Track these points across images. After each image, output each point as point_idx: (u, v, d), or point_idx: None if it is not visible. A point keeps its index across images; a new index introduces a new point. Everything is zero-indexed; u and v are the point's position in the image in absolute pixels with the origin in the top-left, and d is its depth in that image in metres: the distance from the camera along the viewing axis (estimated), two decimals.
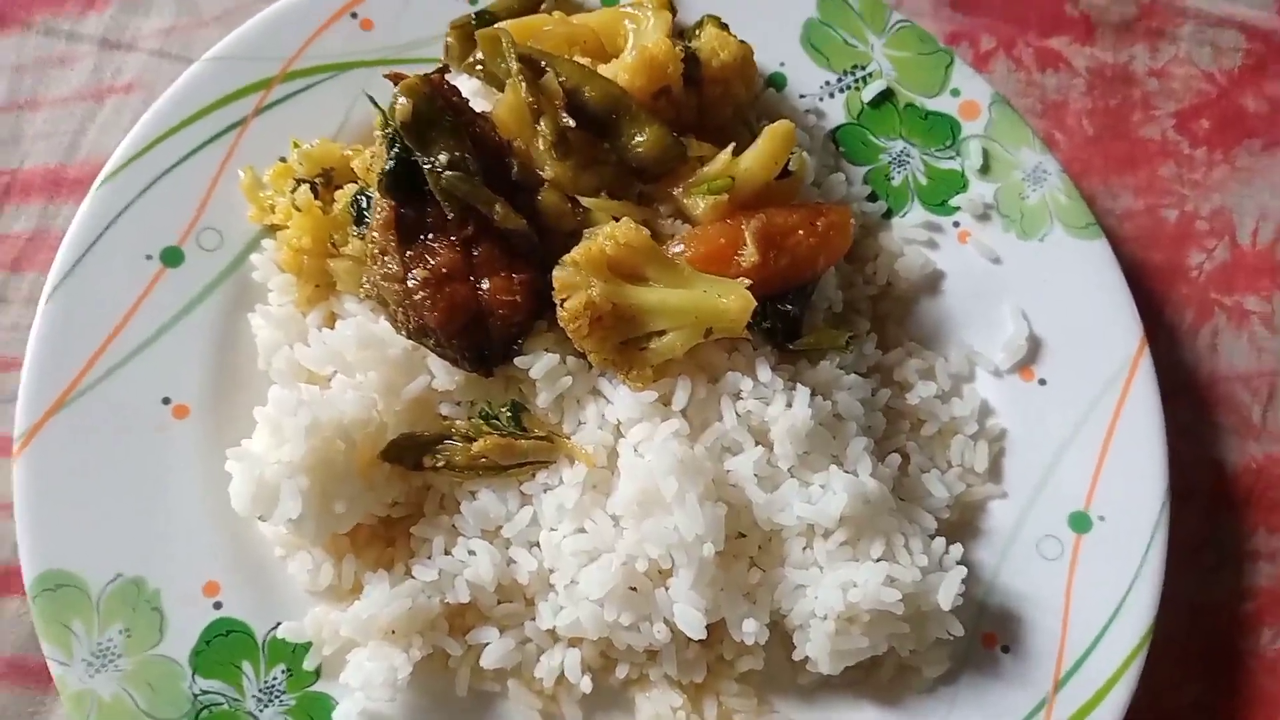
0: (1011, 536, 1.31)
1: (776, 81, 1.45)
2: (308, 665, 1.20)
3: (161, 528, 1.22)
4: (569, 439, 1.19)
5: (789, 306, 1.21)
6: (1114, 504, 1.31)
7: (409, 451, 1.19)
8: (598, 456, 1.16)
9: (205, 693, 1.17)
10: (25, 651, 1.29)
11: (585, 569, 1.16)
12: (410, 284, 1.12)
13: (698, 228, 1.19)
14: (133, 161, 1.31)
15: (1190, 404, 1.52)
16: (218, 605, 1.20)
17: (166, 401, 1.26)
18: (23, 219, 1.46)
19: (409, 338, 1.17)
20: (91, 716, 1.14)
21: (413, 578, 1.20)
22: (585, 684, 1.19)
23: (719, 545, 1.13)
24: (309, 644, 1.21)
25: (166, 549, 1.21)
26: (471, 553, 1.20)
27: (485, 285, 1.13)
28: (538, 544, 1.20)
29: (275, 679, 1.19)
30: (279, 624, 1.21)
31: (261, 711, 1.18)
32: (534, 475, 1.19)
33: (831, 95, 1.45)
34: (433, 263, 1.12)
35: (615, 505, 1.16)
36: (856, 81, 1.45)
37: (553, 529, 1.18)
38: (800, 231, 1.18)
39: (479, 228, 1.13)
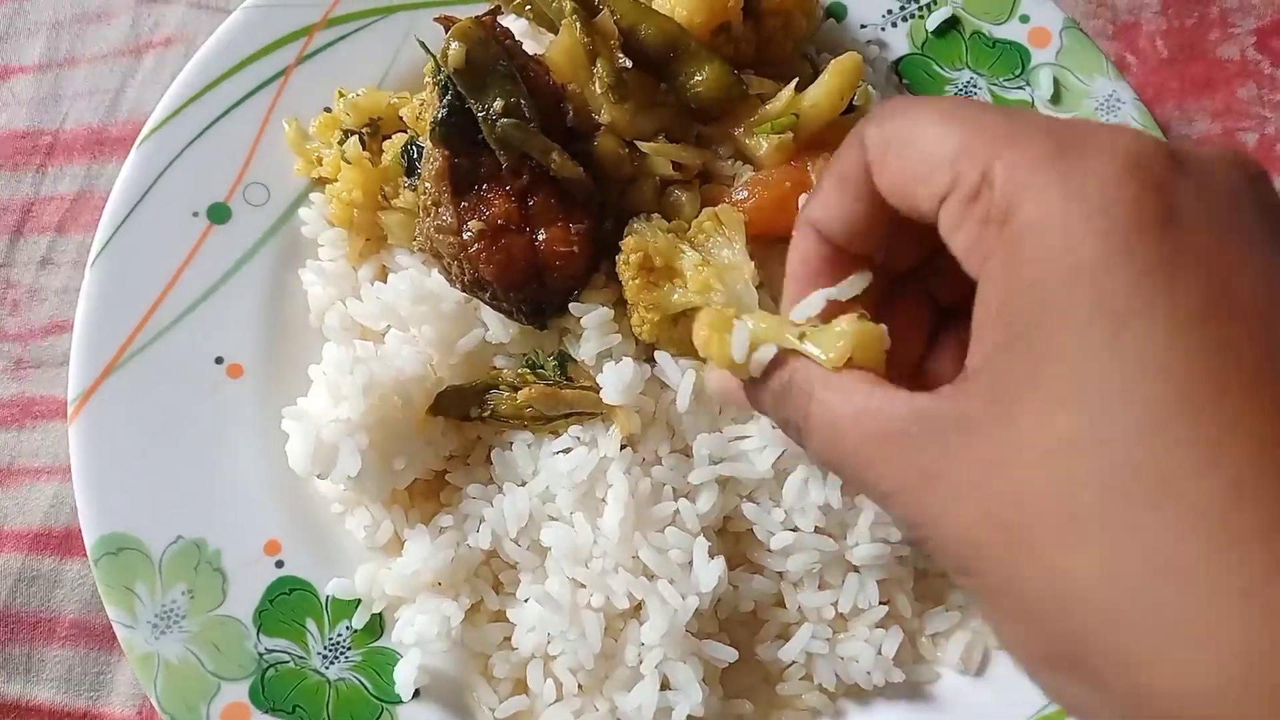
0: None
1: (836, 12, 1.39)
2: (356, 623, 1.19)
3: (219, 488, 1.21)
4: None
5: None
6: None
7: (456, 403, 1.17)
8: (632, 421, 1.13)
9: (270, 651, 1.16)
10: (88, 613, 1.29)
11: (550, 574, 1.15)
12: (465, 236, 1.09)
13: (761, 172, 1.14)
14: (174, 117, 1.28)
15: None
16: (279, 564, 1.19)
17: (220, 361, 1.24)
18: (66, 180, 1.44)
19: (464, 291, 1.15)
20: (159, 678, 1.14)
21: (454, 529, 1.19)
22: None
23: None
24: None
25: (225, 509, 1.20)
26: (500, 497, 1.18)
27: (542, 236, 1.10)
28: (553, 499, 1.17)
29: (340, 635, 1.19)
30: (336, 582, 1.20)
31: (328, 668, 1.17)
32: (566, 430, 1.17)
33: (894, 24, 1.39)
34: (488, 214, 1.09)
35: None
36: (920, 9, 1.38)
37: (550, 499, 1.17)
38: None
39: (534, 176, 1.09)
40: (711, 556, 1.11)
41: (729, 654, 1.14)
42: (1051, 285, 0.61)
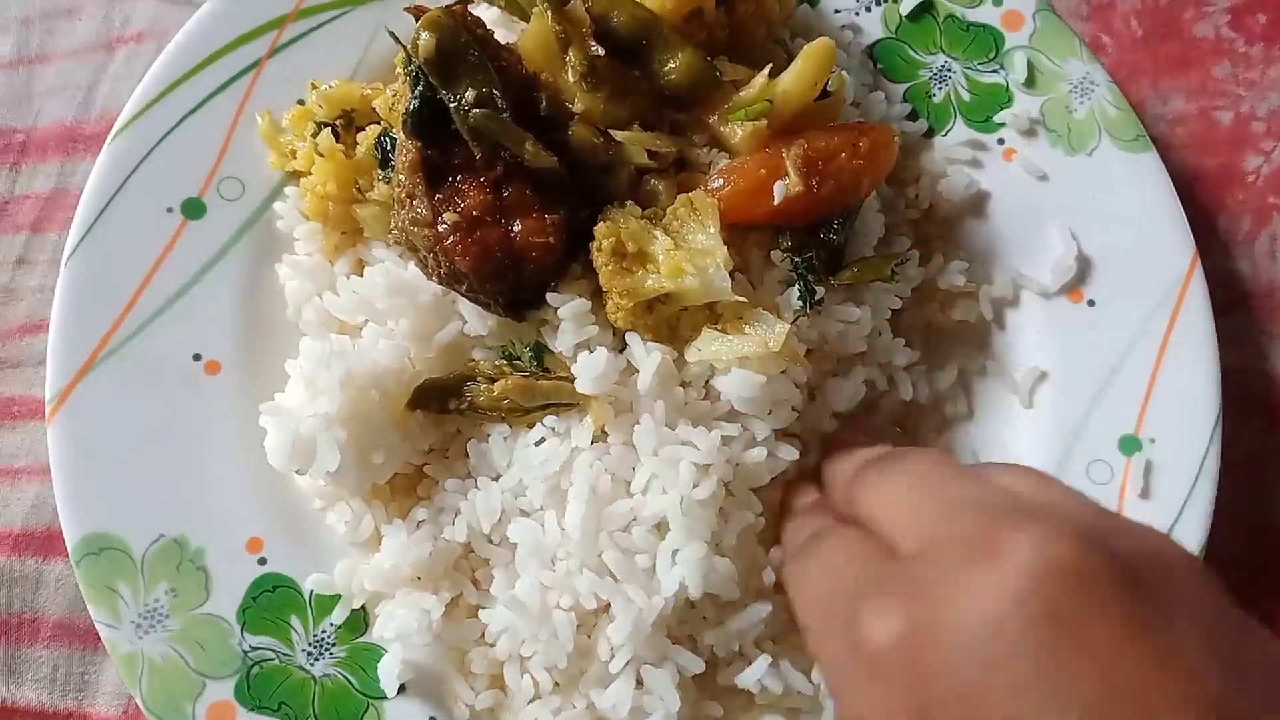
0: (1060, 462, 1.27)
1: None
2: (337, 618, 1.19)
3: (200, 485, 1.20)
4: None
5: (833, 235, 1.17)
6: (1165, 425, 1.26)
7: (434, 396, 1.17)
8: (606, 412, 1.12)
9: (255, 649, 1.16)
10: (72, 613, 1.29)
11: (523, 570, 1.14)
12: (440, 229, 1.08)
13: (736, 159, 1.14)
14: (145, 112, 1.27)
15: (1247, 314, 1.46)
16: (262, 561, 1.19)
17: (198, 358, 1.24)
18: (40, 178, 1.43)
19: (440, 283, 1.14)
20: (144, 677, 1.13)
21: (430, 523, 1.19)
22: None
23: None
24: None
25: (207, 507, 1.20)
26: (475, 491, 1.18)
27: (517, 227, 1.09)
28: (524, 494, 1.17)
29: (325, 632, 1.18)
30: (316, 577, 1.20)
31: (313, 665, 1.17)
32: (543, 422, 1.16)
33: (868, 9, 1.39)
34: (462, 205, 1.08)
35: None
36: None
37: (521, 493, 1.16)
38: (843, 154, 1.13)
39: (508, 167, 1.09)
40: (675, 560, 1.10)
41: (696, 664, 1.12)
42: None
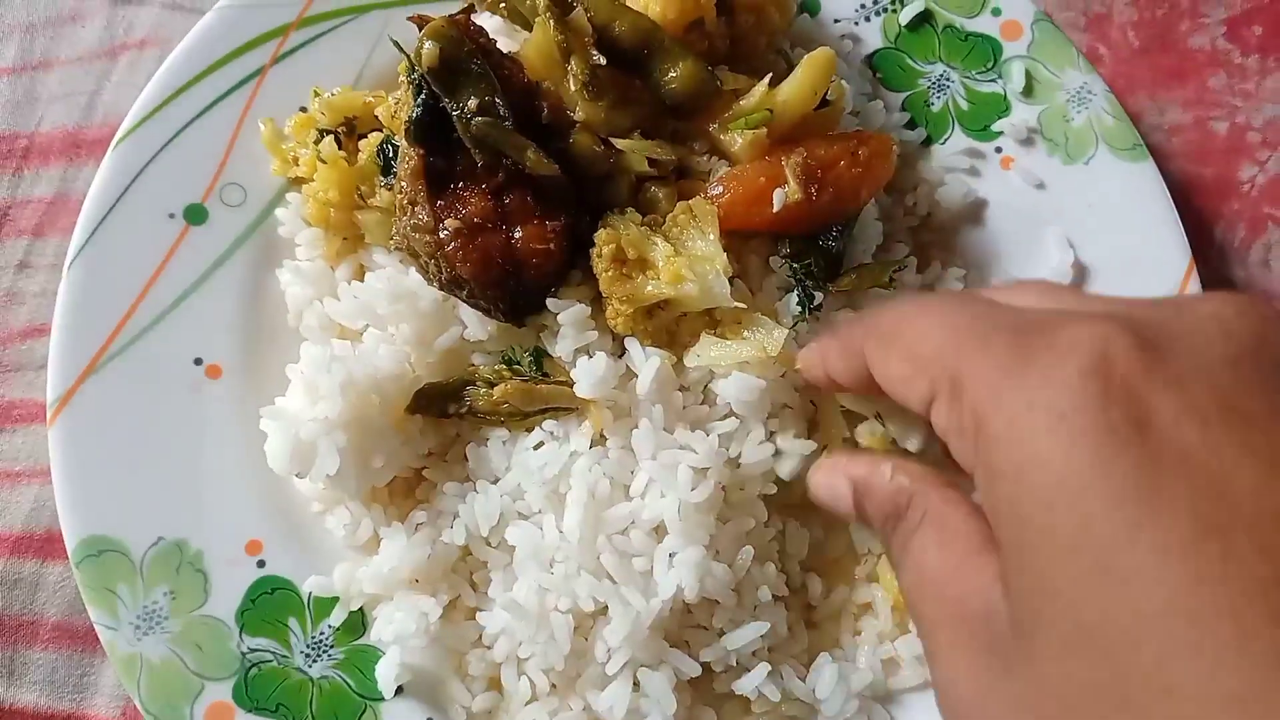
0: None
1: (810, 6, 1.39)
2: (335, 621, 1.19)
3: (200, 489, 1.21)
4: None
5: (831, 243, 1.17)
6: None
7: (434, 401, 1.17)
8: (605, 417, 1.13)
9: (254, 651, 1.16)
10: (71, 615, 1.29)
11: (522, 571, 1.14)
12: (442, 235, 1.09)
13: (736, 167, 1.15)
14: (149, 118, 1.28)
15: None
16: (261, 564, 1.19)
17: (199, 362, 1.24)
18: (43, 183, 1.43)
19: (441, 289, 1.15)
20: (142, 679, 1.14)
21: (429, 525, 1.19)
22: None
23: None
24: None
25: (206, 510, 1.20)
26: (473, 495, 1.18)
27: (518, 234, 1.10)
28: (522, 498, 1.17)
29: (323, 634, 1.19)
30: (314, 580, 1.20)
31: (311, 667, 1.17)
32: (541, 426, 1.16)
33: (867, 19, 1.40)
34: (464, 212, 1.09)
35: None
36: (893, 3, 1.39)
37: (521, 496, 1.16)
38: (842, 163, 1.13)
39: (510, 175, 1.09)
40: (673, 563, 1.10)
41: (692, 668, 1.13)
42: (1028, 506, 0.58)
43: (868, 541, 1.24)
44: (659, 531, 1.12)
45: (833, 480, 0.81)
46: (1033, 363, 0.60)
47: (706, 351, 1.11)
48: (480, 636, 1.18)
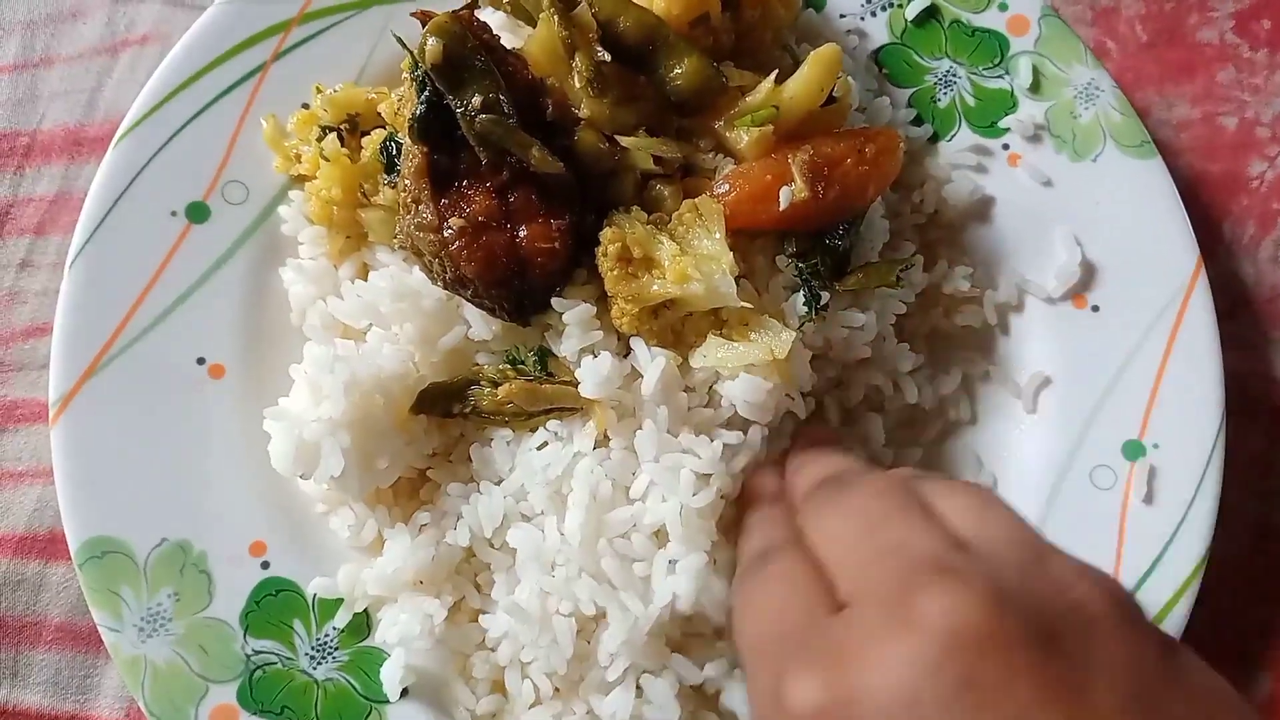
0: (1064, 467, 1.27)
1: (815, 1, 1.38)
2: (339, 622, 1.19)
3: (204, 489, 1.20)
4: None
5: (838, 241, 1.16)
6: (1169, 430, 1.26)
7: (438, 401, 1.17)
8: (609, 417, 1.12)
9: (258, 653, 1.16)
10: (74, 617, 1.29)
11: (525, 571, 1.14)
12: (446, 234, 1.08)
13: (742, 165, 1.14)
14: (150, 115, 1.27)
15: (1252, 319, 1.46)
16: (265, 565, 1.19)
17: (201, 361, 1.24)
18: (45, 181, 1.43)
19: (445, 288, 1.14)
20: (146, 681, 1.13)
21: (433, 527, 1.19)
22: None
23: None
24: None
25: (210, 511, 1.20)
26: (477, 496, 1.17)
27: (523, 232, 1.09)
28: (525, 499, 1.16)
29: (328, 635, 1.18)
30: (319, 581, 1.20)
31: (315, 669, 1.17)
32: (545, 425, 1.16)
33: (873, 14, 1.39)
34: (468, 211, 1.08)
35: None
36: None
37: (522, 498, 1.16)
38: (849, 160, 1.12)
39: (514, 172, 1.09)
40: (672, 570, 1.10)
41: (695, 675, 1.12)
42: None
43: None
44: (660, 536, 1.11)
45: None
46: (897, 629, 0.71)
47: (713, 353, 1.10)
48: (484, 639, 1.18)
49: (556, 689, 1.14)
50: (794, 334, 1.10)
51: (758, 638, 0.84)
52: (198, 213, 1.27)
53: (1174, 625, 1.21)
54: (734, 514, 1.13)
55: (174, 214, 1.26)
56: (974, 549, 0.75)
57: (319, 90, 1.28)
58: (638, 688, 1.11)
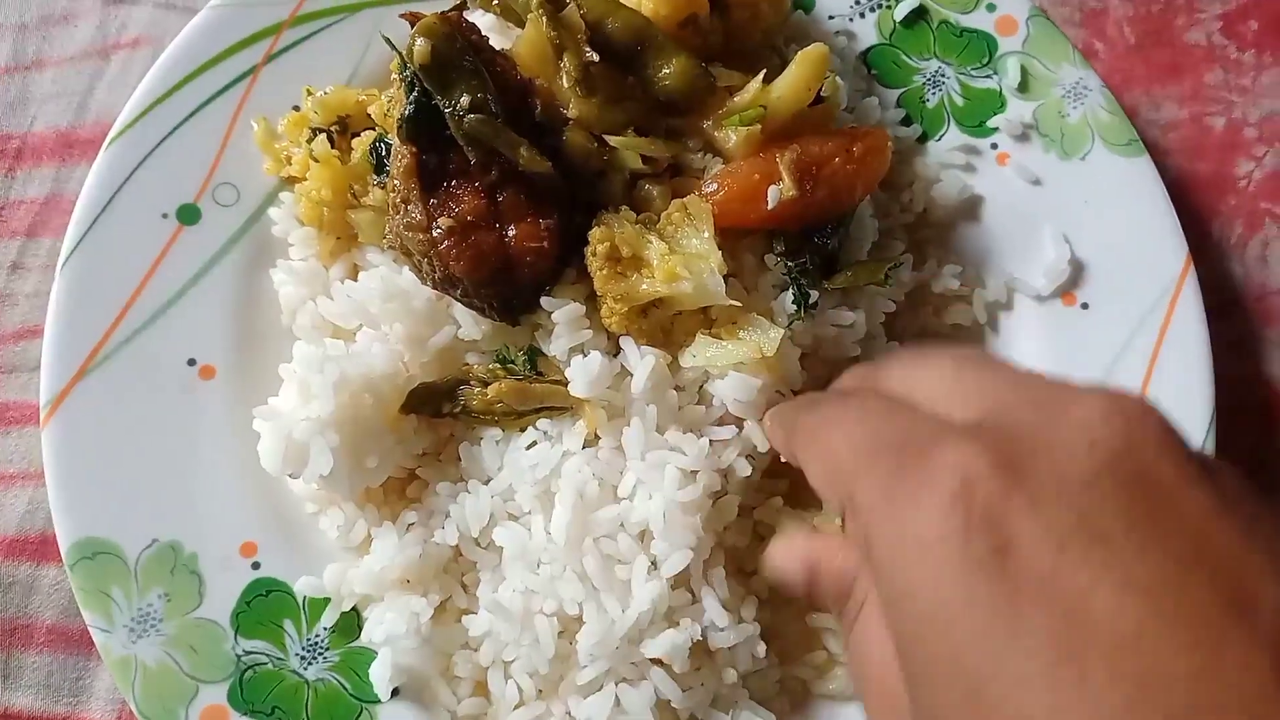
0: None
1: (804, 3, 1.39)
2: (327, 622, 1.18)
3: (194, 490, 1.20)
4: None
5: (827, 240, 1.17)
6: None
7: (427, 400, 1.17)
8: (599, 416, 1.12)
9: (249, 653, 1.16)
10: (65, 619, 1.28)
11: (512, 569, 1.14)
12: (435, 233, 1.08)
13: (730, 164, 1.14)
14: (142, 118, 1.27)
15: (1241, 319, 1.47)
16: (256, 565, 1.19)
17: (192, 363, 1.24)
18: (36, 183, 1.43)
19: (434, 288, 1.14)
20: (136, 682, 1.13)
21: (420, 526, 1.19)
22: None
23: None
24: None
25: (201, 511, 1.19)
26: (465, 495, 1.18)
27: (511, 232, 1.10)
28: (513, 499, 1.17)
29: (318, 636, 1.18)
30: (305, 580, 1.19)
31: (306, 669, 1.17)
32: (535, 425, 1.16)
33: (862, 15, 1.39)
34: (457, 210, 1.09)
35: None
36: None
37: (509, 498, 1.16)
38: (837, 159, 1.13)
39: (503, 172, 1.09)
40: (651, 576, 1.10)
41: (673, 692, 1.11)
42: (909, 635, 0.60)
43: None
44: (645, 536, 1.12)
45: (787, 560, 0.83)
46: (906, 489, 0.61)
47: (703, 352, 1.11)
48: (467, 639, 1.18)
49: (539, 690, 1.14)
50: (782, 331, 1.10)
51: (858, 449, 0.69)
52: (188, 214, 1.27)
53: None
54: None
55: (165, 216, 1.26)
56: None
57: (310, 93, 1.29)
58: (616, 699, 1.11)
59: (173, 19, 1.48)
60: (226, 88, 1.30)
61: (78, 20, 1.49)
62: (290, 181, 1.29)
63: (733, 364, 1.10)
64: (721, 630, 1.11)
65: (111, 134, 1.27)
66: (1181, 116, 1.54)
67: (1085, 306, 1.31)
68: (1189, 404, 1.26)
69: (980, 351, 0.77)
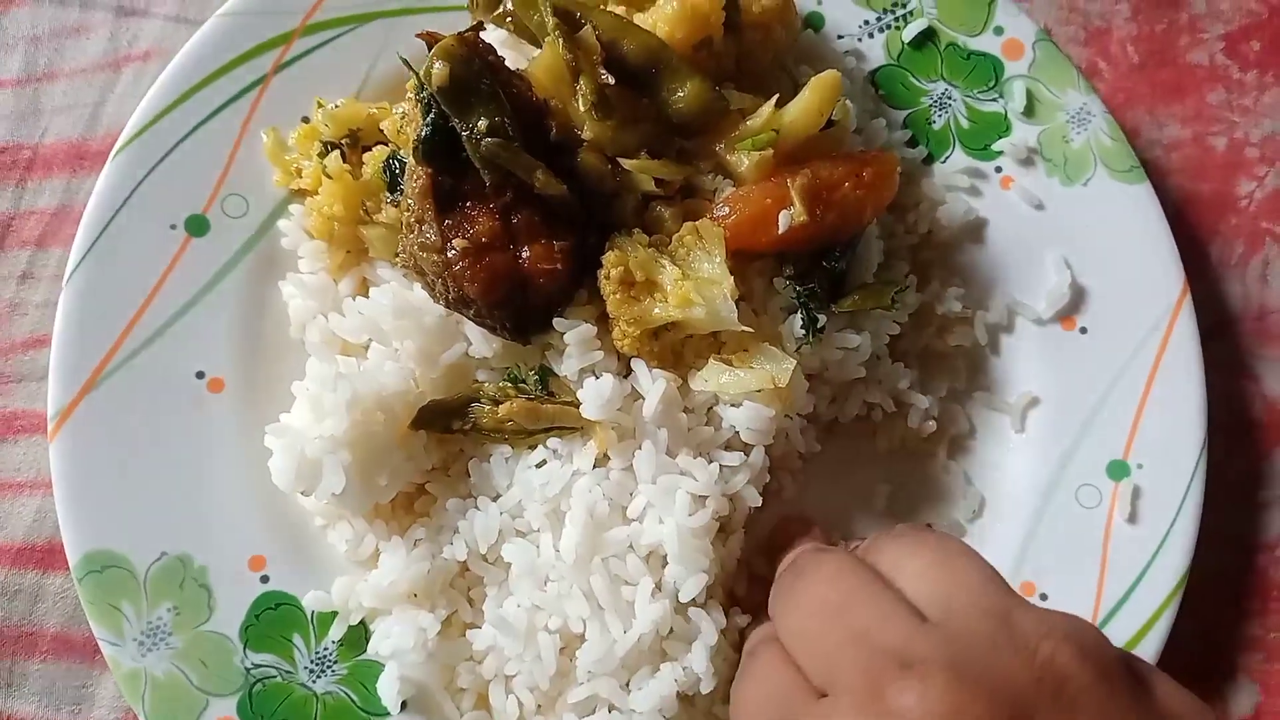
0: (1050, 486, 1.30)
1: (814, 22, 1.39)
2: (335, 635, 1.19)
3: (203, 503, 1.21)
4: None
5: (835, 263, 1.18)
6: (1152, 451, 1.29)
7: (438, 417, 1.17)
8: (610, 438, 1.13)
9: (258, 666, 1.17)
10: (70, 627, 1.29)
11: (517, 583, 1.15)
12: (450, 254, 1.09)
13: (741, 188, 1.15)
14: (150, 127, 1.27)
15: (1240, 337, 1.48)
16: (264, 579, 1.20)
17: (201, 375, 1.24)
18: (46, 194, 1.43)
19: (448, 307, 1.15)
20: (145, 695, 1.14)
21: (428, 540, 1.19)
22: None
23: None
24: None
25: (210, 524, 1.20)
26: (474, 511, 1.18)
27: (525, 253, 1.10)
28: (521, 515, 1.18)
29: (327, 649, 1.19)
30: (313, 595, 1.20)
31: (315, 682, 1.18)
32: (545, 444, 1.17)
33: (871, 35, 1.40)
34: (471, 232, 1.09)
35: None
36: (896, 20, 1.39)
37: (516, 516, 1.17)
38: (847, 184, 1.14)
39: (517, 194, 1.10)
40: (655, 598, 1.11)
41: (671, 706, 1.12)
42: None
43: None
44: (653, 559, 1.13)
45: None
46: None
47: (715, 378, 1.12)
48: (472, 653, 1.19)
49: (539, 705, 1.15)
50: (795, 362, 1.11)
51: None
52: (197, 226, 1.27)
53: (1156, 640, 1.24)
54: None
55: (173, 227, 1.26)
56: (938, 624, 0.77)
57: (320, 104, 1.29)
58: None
59: (184, 32, 1.47)
60: (236, 97, 1.30)
61: (89, 33, 1.49)
62: (300, 194, 1.29)
63: (746, 393, 1.11)
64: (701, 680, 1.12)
65: (119, 143, 1.26)
66: (1184, 136, 1.55)
67: (1084, 331, 1.33)
68: (1182, 428, 1.29)
69: (961, 547, 0.85)
